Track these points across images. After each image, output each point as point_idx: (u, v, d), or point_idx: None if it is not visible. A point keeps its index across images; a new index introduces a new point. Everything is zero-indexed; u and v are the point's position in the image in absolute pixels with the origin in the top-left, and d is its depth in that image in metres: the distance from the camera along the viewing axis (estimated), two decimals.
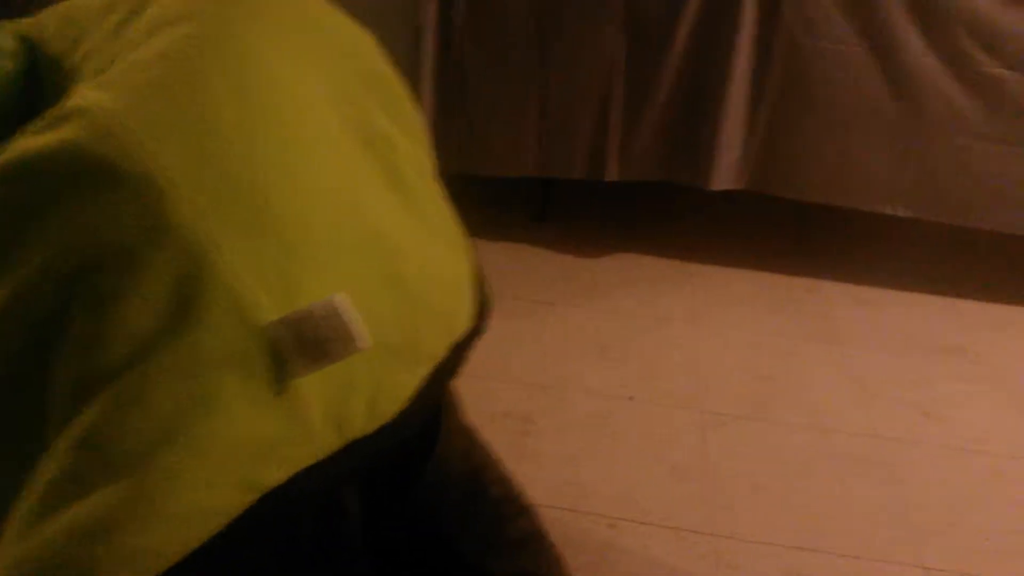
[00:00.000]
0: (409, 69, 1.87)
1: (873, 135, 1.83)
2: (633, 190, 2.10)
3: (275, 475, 0.48)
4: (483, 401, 1.55)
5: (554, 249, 2.15)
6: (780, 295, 2.02)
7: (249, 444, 0.47)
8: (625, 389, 1.62)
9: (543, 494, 1.34)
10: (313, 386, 0.49)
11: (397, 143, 0.59)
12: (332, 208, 0.51)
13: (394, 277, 0.54)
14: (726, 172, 1.89)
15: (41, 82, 0.57)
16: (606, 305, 1.91)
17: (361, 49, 0.61)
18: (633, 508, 1.33)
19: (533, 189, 2.27)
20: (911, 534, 1.32)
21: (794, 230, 2.35)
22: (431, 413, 0.65)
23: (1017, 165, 1.80)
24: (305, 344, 0.47)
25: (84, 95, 0.49)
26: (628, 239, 2.22)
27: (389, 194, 0.57)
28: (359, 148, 0.55)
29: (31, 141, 0.47)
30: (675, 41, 1.78)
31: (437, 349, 0.58)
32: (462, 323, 0.62)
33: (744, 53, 1.76)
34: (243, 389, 0.46)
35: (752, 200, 2.07)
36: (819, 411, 1.59)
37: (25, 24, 0.59)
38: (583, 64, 1.84)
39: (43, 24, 0.59)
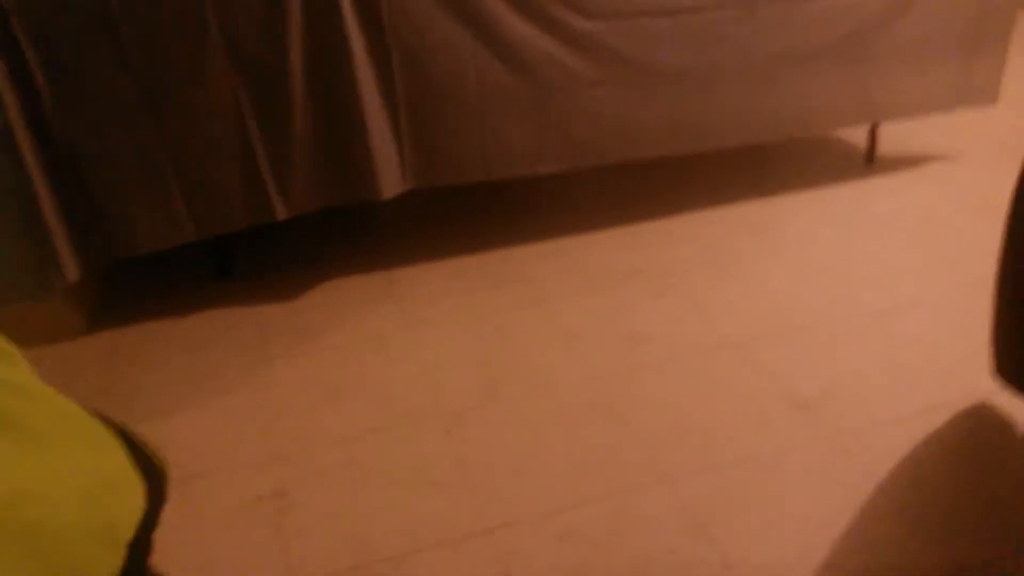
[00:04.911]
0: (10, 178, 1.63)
1: (504, 108, 1.97)
2: (316, 218, 2.05)
3: None
4: (227, 494, 1.46)
5: (251, 304, 2.05)
6: (480, 273, 2.12)
7: None
8: (366, 422, 1.62)
9: (323, 564, 1.31)
10: None
11: None
12: None
13: (24, 526, 0.48)
14: (391, 180, 1.92)
15: None
16: (321, 344, 1.87)
17: None
18: (412, 538, 1.35)
19: (209, 248, 2.13)
20: (645, 455, 1.48)
21: (474, 209, 2.48)
22: None
23: (615, 102, 2.06)
24: None
25: None
26: (325, 268, 2.19)
27: None
28: None
29: None
30: (291, 70, 1.74)
31: (110, 561, 0.54)
32: (132, 516, 0.57)
33: (363, 66, 1.78)
34: None
35: (427, 193, 2.13)
36: (542, 373, 1.72)
37: None
38: (203, 114, 1.73)
39: None
